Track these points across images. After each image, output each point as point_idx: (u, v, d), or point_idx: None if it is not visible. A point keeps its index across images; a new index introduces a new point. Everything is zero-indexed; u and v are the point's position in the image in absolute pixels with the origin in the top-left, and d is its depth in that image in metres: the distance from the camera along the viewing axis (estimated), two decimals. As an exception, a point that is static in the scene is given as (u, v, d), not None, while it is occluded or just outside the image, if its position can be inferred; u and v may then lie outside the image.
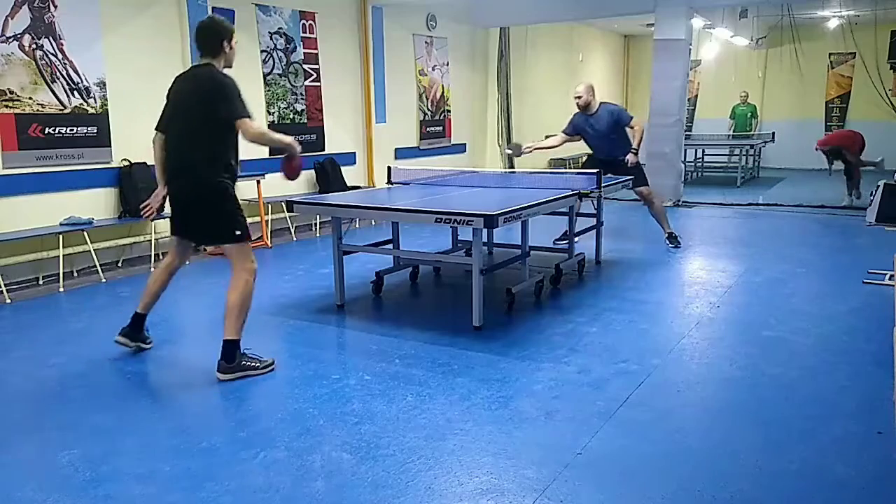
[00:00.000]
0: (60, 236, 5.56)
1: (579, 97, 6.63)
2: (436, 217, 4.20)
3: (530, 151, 6.92)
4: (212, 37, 3.60)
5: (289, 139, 3.83)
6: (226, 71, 3.65)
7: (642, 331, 4.33)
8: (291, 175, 3.98)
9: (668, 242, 6.84)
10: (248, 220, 7.44)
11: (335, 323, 4.65)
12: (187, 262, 3.98)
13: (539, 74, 13.00)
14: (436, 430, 2.99)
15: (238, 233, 3.62)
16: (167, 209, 3.80)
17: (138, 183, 6.21)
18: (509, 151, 6.81)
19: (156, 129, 3.78)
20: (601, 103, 6.74)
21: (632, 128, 6.70)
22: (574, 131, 6.87)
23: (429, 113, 10.33)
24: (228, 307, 3.57)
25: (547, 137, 6.88)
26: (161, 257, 6.50)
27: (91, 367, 3.82)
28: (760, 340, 4.12)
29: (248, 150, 8.17)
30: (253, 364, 3.64)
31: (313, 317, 4.73)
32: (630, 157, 6.59)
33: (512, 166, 11.62)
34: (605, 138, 6.67)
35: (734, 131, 13.59)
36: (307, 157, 8.11)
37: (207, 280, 5.96)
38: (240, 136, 3.63)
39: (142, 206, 3.88)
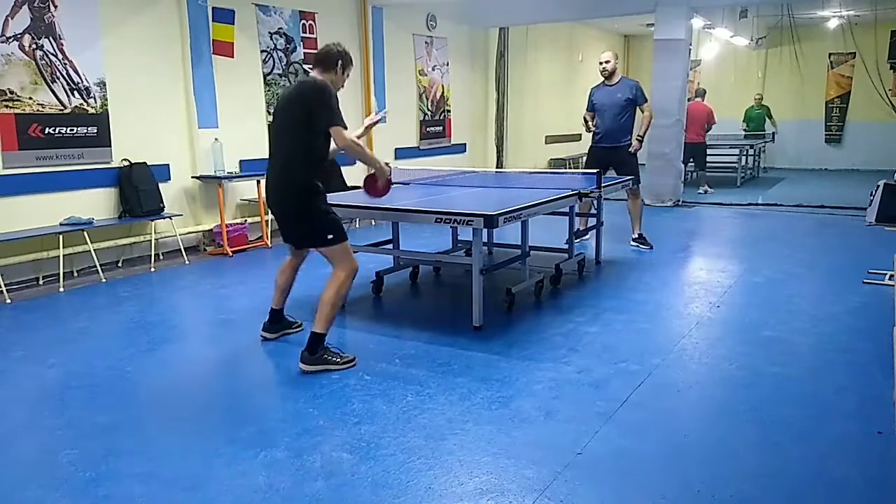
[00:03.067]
0: (60, 236, 5.56)
1: (607, 62, 6.63)
2: (436, 217, 4.20)
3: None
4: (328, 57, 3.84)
5: (375, 158, 4.08)
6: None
7: (642, 331, 4.33)
8: (375, 193, 4.16)
9: (634, 244, 6.75)
10: (249, 220, 7.51)
11: (335, 323, 4.63)
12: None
13: (539, 74, 13.01)
14: (436, 430, 2.99)
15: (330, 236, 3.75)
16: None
17: (138, 183, 6.22)
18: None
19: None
20: (622, 76, 6.75)
21: (643, 111, 6.67)
22: (593, 107, 6.83)
23: (429, 113, 10.33)
24: (321, 301, 3.72)
25: (586, 122, 6.90)
26: (161, 257, 6.52)
27: (91, 367, 3.82)
28: (760, 340, 4.12)
29: (248, 150, 8.17)
30: (334, 359, 3.75)
31: (313, 317, 4.72)
32: (634, 144, 6.57)
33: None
34: (617, 114, 6.60)
35: (748, 132, 13.62)
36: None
37: (207, 281, 5.97)
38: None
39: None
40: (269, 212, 3.96)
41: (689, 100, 10.97)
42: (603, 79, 6.72)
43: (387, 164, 4.08)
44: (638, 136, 6.61)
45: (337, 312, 3.77)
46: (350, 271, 3.76)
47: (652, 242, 6.80)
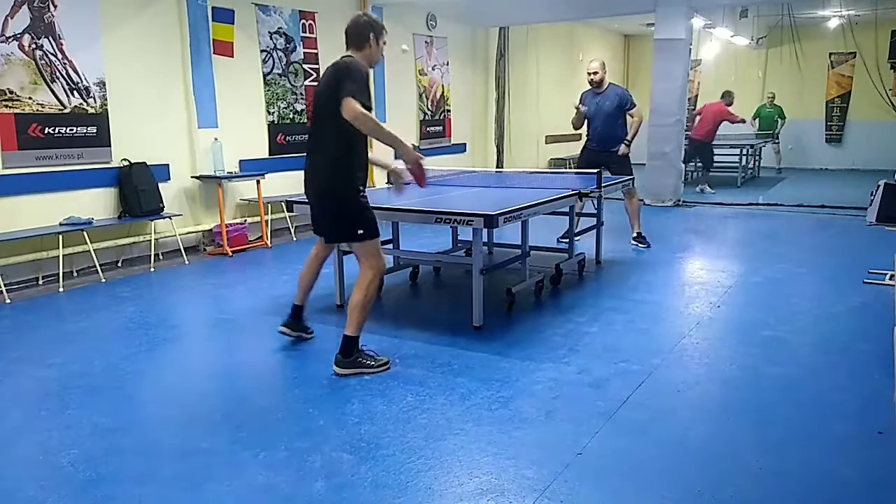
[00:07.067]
0: (60, 236, 5.56)
1: (595, 73, 6.66)
2: (436, 217, 4.20)
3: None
4: (358, 32, 3.65)
5: (401, 142, 3.71)
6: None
7: (642, 331, 4.32)
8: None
9: (634, 242, 6.78)
10: (249, 220, 7.50)
11: (335, 323, 4.63)
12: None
13: (539, 74, 13.00)
14: (436, 430, 2.99)
15: (360, 232, 3.61)
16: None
17: (138, 183, 6.21)
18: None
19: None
20: (610, 83, 6.77)
21: (632, 116, 6.71)
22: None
23: (429, 113, 10.33)
24: (351, 304, 3.63)
25: (578, 110, 6.87)
26: (161, 257, 6.52)
27: (91, 367, 3.82)
28: (760, 340, 4.12)
29: (248, 150, 8.15)
30: (368, 362, 3.66)
31: (313, 317, 4.71)
32: (622, 148, 6.63)
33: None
34: (607, 121, 6.66)
35: (759, 131, 13.65)
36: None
37: (207, 281, 5.97)
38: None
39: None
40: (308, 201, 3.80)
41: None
42: (591, 87, 6.76)
43: (413, 145, 3.91)
44: (626, 140, 6.67)
45: (368, 314, 3.66)
46: (377, 270, 3.65)
47: (651, 242, 6.80)
